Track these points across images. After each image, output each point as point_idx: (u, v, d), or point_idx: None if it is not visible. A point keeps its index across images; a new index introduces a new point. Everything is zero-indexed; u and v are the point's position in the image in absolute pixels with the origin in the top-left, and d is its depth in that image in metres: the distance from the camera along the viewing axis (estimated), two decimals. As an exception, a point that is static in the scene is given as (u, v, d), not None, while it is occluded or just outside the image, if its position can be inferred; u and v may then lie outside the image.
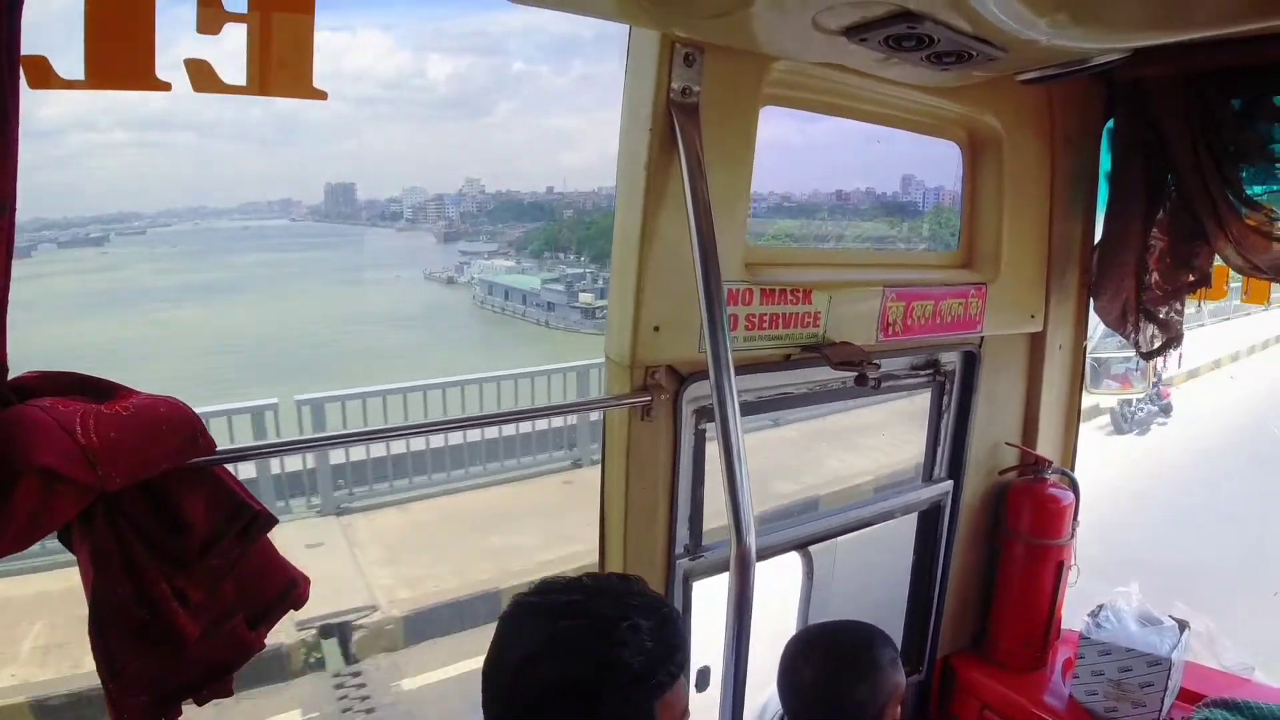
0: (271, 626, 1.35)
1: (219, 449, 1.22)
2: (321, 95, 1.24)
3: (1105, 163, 2.55)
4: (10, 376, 1.08)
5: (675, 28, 1.54)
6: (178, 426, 1.16)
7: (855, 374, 1.95)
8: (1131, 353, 2.69)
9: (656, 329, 1.72)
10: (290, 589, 1.35)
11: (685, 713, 1.28)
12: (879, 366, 1.97)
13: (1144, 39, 1.67)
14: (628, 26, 1.60)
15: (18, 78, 0.96)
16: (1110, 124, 2.51)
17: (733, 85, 1.68)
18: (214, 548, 1.23)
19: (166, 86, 1.14)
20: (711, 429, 1.84)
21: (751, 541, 1.47)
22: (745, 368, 1.90)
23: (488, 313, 31.67)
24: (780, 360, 1.98)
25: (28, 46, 1.01)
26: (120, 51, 1.11)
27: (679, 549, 1.93)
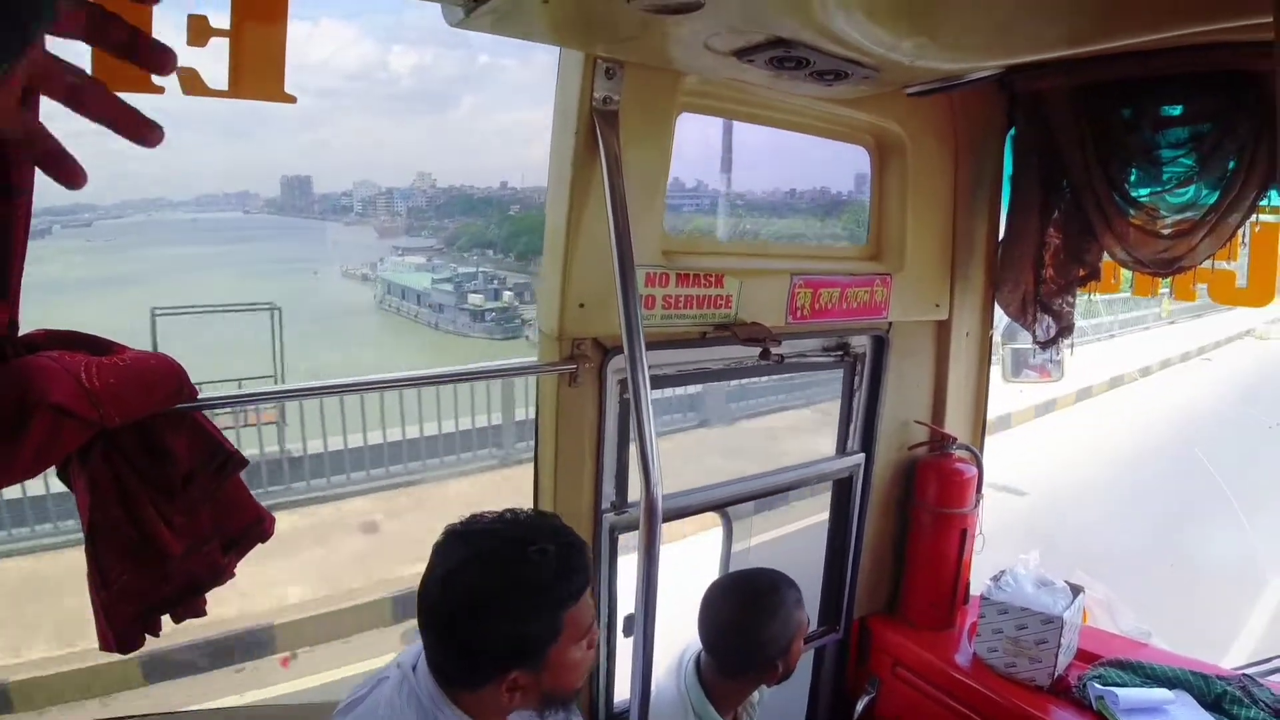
0: (242, 555, 1.58)
1: (200, 397, 1.45)
2: (290, 99, 1.48)
3: (1008, 166, 2.81)
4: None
5: (597, 49, 1.78)
6: (167, 377, 1.39)
7: (760, 349, 2.19)
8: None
9: (582, 305, 1.96)
10: (258, 523, 1.58)
11: (590, 629, 1.54)
12: (780, 343, 2.22)
13: (1001, 59, 1.92)
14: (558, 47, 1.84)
15: None
16: (1012, 131, 2.78)
17: (649, 95, 1.92)
18: (194, 480, 1.46)
19: (160, 90, 1.37)
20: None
21: (659, 491, 1.68)
22: (664, 343, 2.16)
23: (386, 312, 30.23)
24: (697, 337, 2.21)
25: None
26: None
27: (605, 504, 2.17)
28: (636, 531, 1.94)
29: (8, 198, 1.17)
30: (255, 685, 5.85)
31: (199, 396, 1.45)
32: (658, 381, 2.24)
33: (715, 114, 2.19)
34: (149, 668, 5.86)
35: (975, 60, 1.88)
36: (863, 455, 2.84)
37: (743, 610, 2.16)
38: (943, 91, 2.15)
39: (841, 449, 2.87)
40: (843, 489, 2.88)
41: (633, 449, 2.16)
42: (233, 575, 1.57)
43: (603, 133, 1.81)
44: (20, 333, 1.30)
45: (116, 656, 1.95)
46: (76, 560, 1.40)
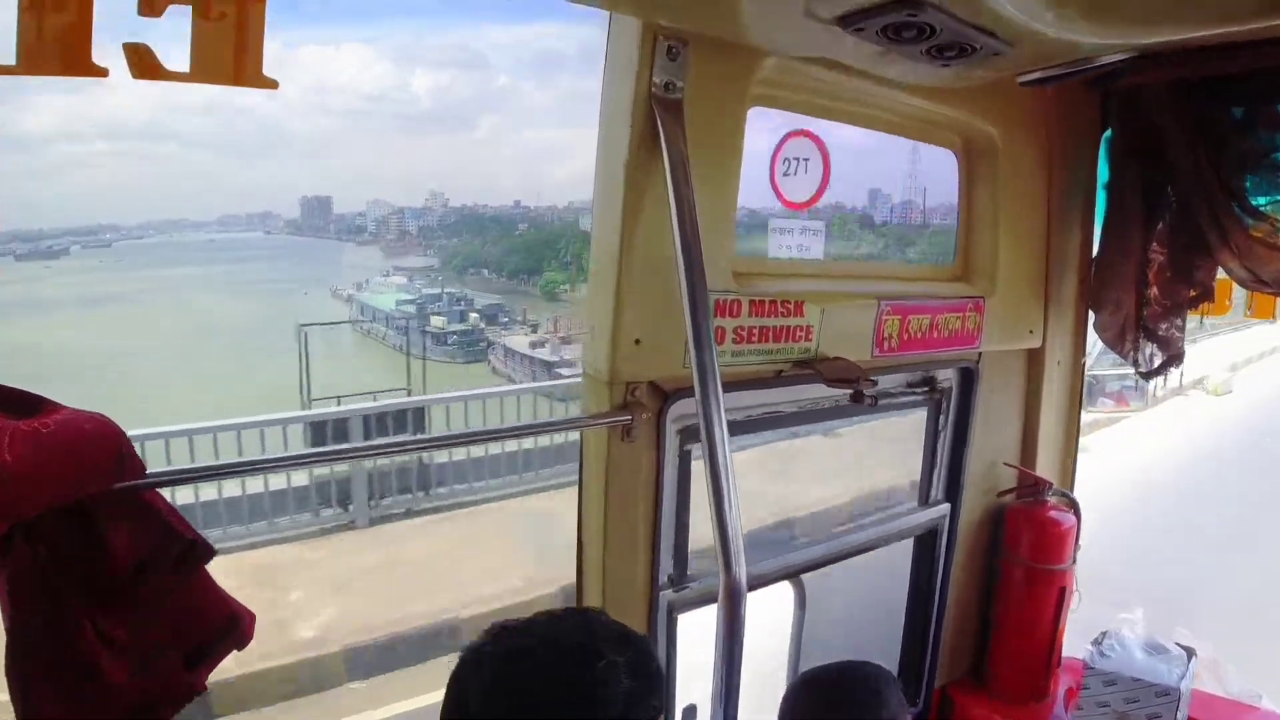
0: (213, 667, 1.24)
1: (149, 472, 1.13)
2: (272, 84, 1.16)
3: (1103, 173, 2.52)
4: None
5: (658, 16, 1.48)
6: (102, 447, 1.07)
7: (851, 391, 1.86)
8: (1128, 370, 2.64)
9: (637, 342, 1.63)
10: (232, 626, 1.25)
11: None
12: (875, 383, 1.90)
13: (1152, 35, 1.63)
14: (608, 17, 1.54)
15: None
16: (1107, 133, 2.48)
17: (719, 82, 1.61)
18: (143, 581, 1.12)
19: (104, 72, 1.07)
20: (697, 449, 1.75)
21: (742, 572, 1.38)
22: (732, 384, 1.83)
23: (358, 333, 28.76)
24: (770, 376, 1.90)
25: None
26: (54, 36, 1.03)
27: (662, 579, 1.84)
28: (696, 610, 1.70)
29: None
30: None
31: (148, 472, 1.13)
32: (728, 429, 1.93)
33: (790, 108, 1.88)
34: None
35: (1121, 35, 1.60)
36: (948, 505, 2.51)
37: None
38: (1064, 79, 1.88)
39: (924, 499, 2.53)
40: (925, 544, 2.55)
41: (696, 515, 1.83)
42: (201, 691, 1.23)
43: (665, 127, 1.49)
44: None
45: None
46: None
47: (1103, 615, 2.67)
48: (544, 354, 18.96)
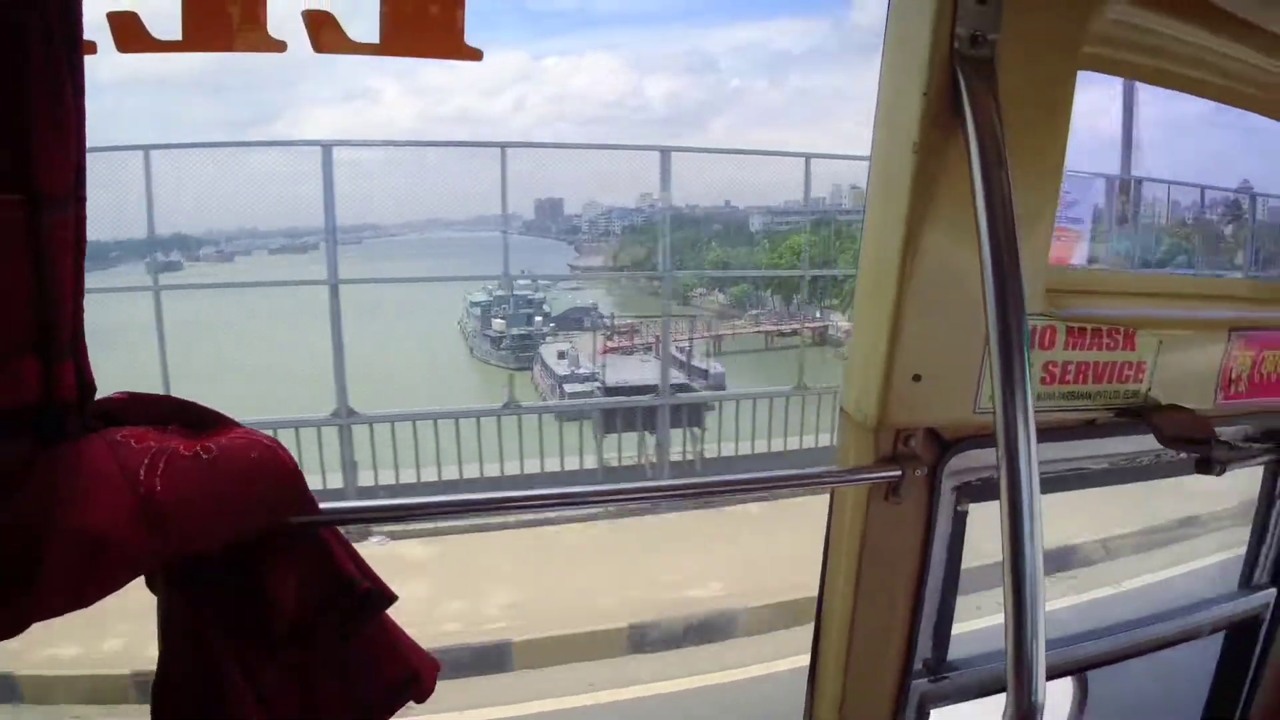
0: None
1: (323, 509, 0.99)
2: (476, 55, 1.00)
3: None
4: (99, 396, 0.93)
5: None
6: (271, 480, 0.95)
7: (1197, 456, 1.45)
8: None
9: (917, 378, 1.31)
10: (408, 683, 1.10)
11: None
12: (1229, 446, 1.47)
13: None
14: None
15: (79, 38, 0.79)
16: None
17: (1043, 35, 1.24)
18: (309, 631, 0.99)
19: (281, 46, 0.96)
20: (974, 509, 1.46)
21: (1041, 692, 1.04)
22: (1043, 433, 1.48)
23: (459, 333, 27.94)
24: (1078, 426, 1.52)
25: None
26: (226, 5, 0.92)
27: (917, 665, 1.54)
28: (954, 705, 1.42)
29: (39, 207, 0.79)
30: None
31: (323, 508, 0.99)
32: (993, 492, 1.56)
33: (1130, 74, 1.50)
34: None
35: None
36: (1274, 592, 2.01)
37: None
38: None
39: (1246, 581, 2.04)
40: (1240, 637, 2.06)
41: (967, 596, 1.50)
42: None
43: (971, 94, 1.14)
44: (97, 396, 0.92)
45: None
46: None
47: None
48: (562, 367, 17.46)
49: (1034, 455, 1.08)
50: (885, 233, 1.26)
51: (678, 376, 15.27)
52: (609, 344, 18.06)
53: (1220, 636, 2.08)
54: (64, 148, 0.81)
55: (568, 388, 16.01)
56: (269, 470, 0.95)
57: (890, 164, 1.24)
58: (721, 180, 10.02)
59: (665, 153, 9.15)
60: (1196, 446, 1.45)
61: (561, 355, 17.79)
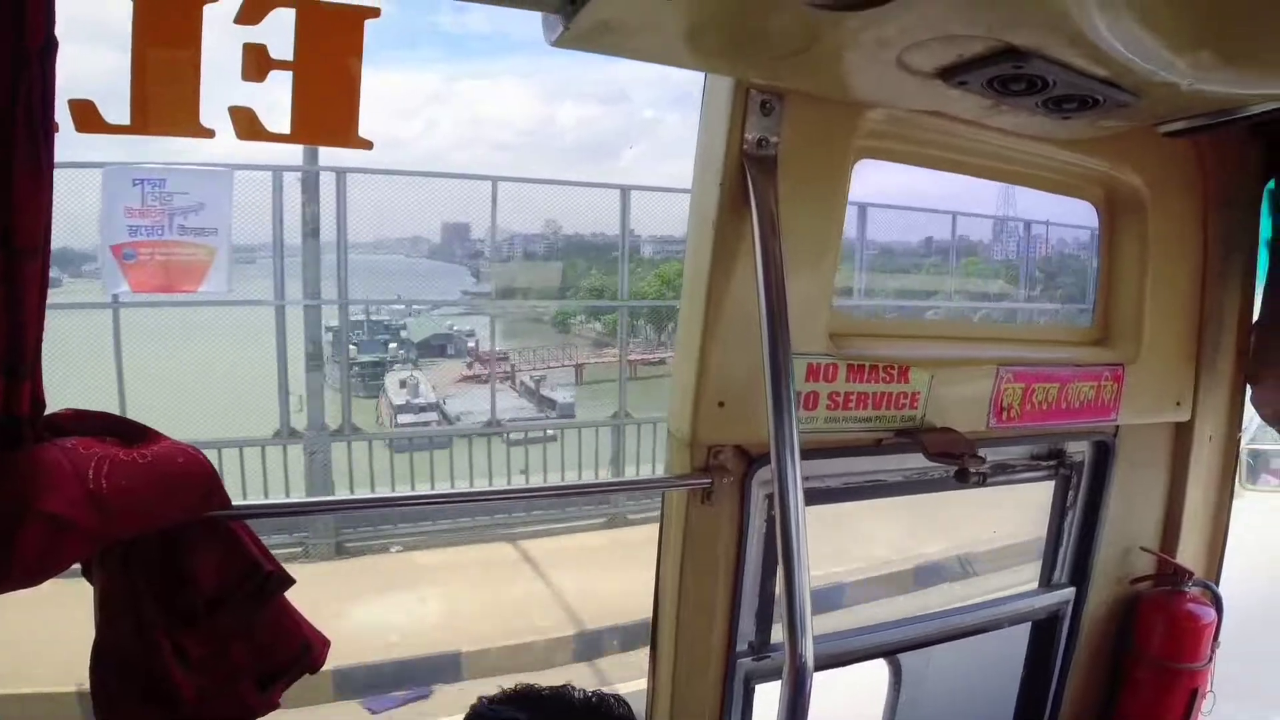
0: (284, 689, 1.35)
1: (234, 505, 1.23)
2: (366, 145, 1.26)
3: (1265, 228, 2.32)
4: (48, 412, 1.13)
5: (751, 74, 1.49)
6: (193, 480, 1.19)
7: (955, 468, 1.80)
8: (1296, 444, 2.38)
9: (721, 404, 1.63)
10: (305, 652, 1.34)
11: None
12: (984, 460, 1.82)
13: None
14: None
15: (52, 123, 1.01)
16: (1270, 185, 2.30)
17: (818, 136, 1.60)
18: (223, 606, 1.23)
19: (210, 133, 1.19)
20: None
21: (808, 649, 1.36)
22: (831, 450, 1.80)
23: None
24: (872, 444, 1.85)
25: (75, 93, 1.07)
26: (166, 98, 1.16)
27: (741, 646, 1.81)
28: (778, 683, 1.60)
29: (15, 258, 1.00)
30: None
31: (234, 504, 1.23)
32: (814, 497, 1.87)
33: (904, 160, 1.84)
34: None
35: (1271, 84, 1.43)
36: (1072, 590, 2.34)
37: None
38: (1210, 130, 1.74)
39: (1046, 580, 2.39)
40: (1044, 631, 2.39)
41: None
42: (275, 707, 1.33)
43: (755, 183, 1.49)
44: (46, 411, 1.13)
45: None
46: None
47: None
48: (399, 396, 16.78)
49: (798, 467, 1.39)
50: (695, 285, 1.60)
51: (526, 406, 15.37)
52: (467, 372, 17.56)
53: (1029, 629, 2.40)
54: (39, 208, 1.01)
55: (401, 418, 15.44)
56: (192, 472, 1.19)
57: (699, 236, 1.59)
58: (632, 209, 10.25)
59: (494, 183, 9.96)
60: (953, 460, 1.80)
61: (402, 384, 16.87)
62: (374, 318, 15.24)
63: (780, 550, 1.39)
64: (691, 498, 1.69)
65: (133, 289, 7.80)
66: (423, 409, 15.63)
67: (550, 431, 11.11)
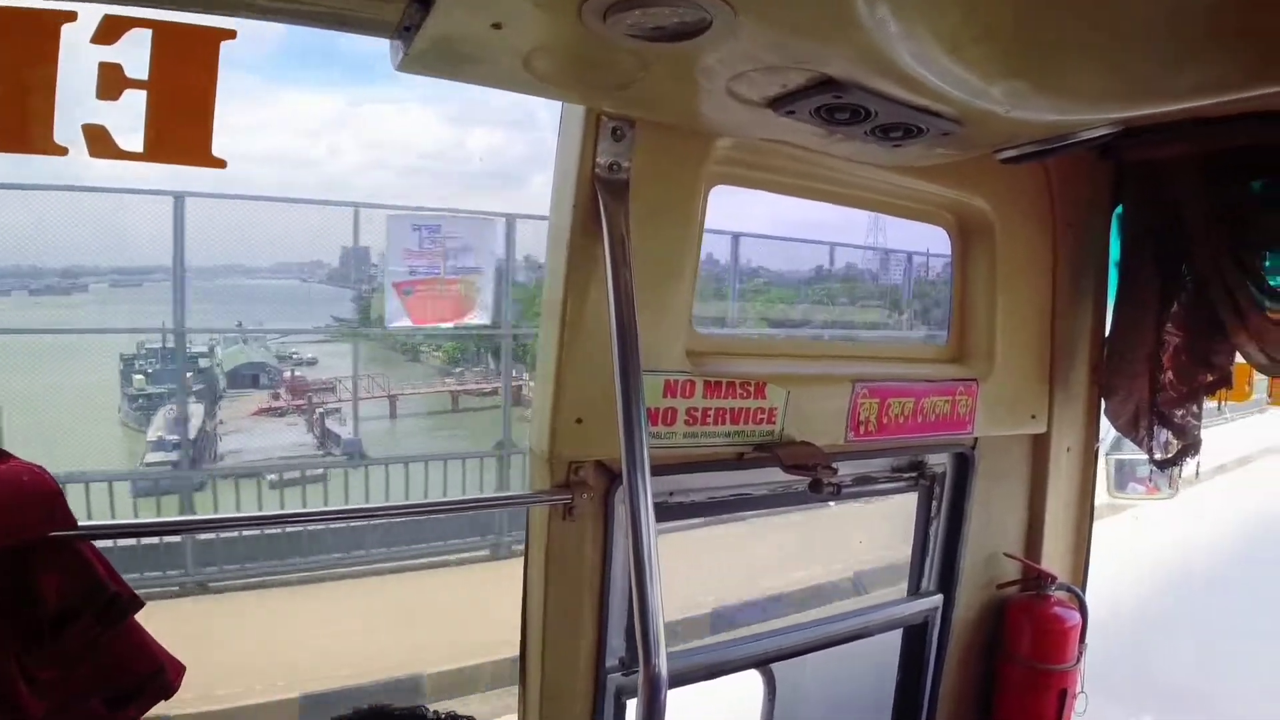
0: (139, 713, 1.34)
1: (80, 525, 1.23)
2: (220, 164, 1.29)
3: (1115, 250, 2.50)
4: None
5: (601, 103, 1.56)
6: (37, 499, 1.19)
7: (809, 479, 1.87)
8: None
9: (579, 420, 1.69)
10: (157, 674, 1.34)
11: None
12: (836, 471, 1.90)
13: (1122, 110, 1.55)
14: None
15: None
16: (1119, 209, 2.47)
17: (669, 162, 1.68)
18: (69, 626, 1.22)
19: (63, 151, 1.20)
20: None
21: (662, 663, 1.40)
22: (694, 465, 1.87)
23: None
24: (734, 459, 1.92)
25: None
26: (20, 115, 1.17)
27: (611, 662, 1.85)
28: None
29: None
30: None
31: (80, 524, 1.23)
32: (677, 512, 1.94)
33: (759, 186, 1.93)
34: None
35: (1088, 111, 1.54)
36: (940, 597, 2.45)
37: None
38: (1045, 156, 1.85)
39: (915, 588, 2.49)
40: (915, 637, 2.49)
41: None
42: None
43: (607, 207, 1.56)
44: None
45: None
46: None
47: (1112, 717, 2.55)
48: (156, 432, 14.85)
49: (648, 483, 1.44)
50: (552, 305, 1.67)
51: (307, 443, 14.56)
52: (267, 405, 16.16)
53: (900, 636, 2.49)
54: None
55: (151, 456, 13.72)
56: (37, 491, 1.19)
57: (555, 257, 1.66)
58: (528, 235, 10.30)
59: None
60: (807, 472, 1.88)
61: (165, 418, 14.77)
62: (196, 348, 13.94)
63: (632, 563, 1.44)
64: (553, 514, 1.73)
65: (413, 321, 9.45)
66: (175, 446, 13.01)
67: (319, 471, 11.05)
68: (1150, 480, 3.02)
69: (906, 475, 2.35)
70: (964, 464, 2.37)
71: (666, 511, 1.88)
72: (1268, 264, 2.22)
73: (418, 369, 18.32)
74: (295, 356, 16.79)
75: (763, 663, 2.19)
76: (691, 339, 1.84)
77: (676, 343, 1.78)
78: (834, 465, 1.90)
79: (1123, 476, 3.10)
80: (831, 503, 2.64)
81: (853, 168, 1.90)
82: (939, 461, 2.37)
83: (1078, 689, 2.52)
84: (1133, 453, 3.06)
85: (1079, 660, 2.51)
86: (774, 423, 1.92)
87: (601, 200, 1.57)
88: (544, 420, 1.69)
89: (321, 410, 14.77)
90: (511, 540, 9.24)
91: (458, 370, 17.54)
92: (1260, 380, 2.49)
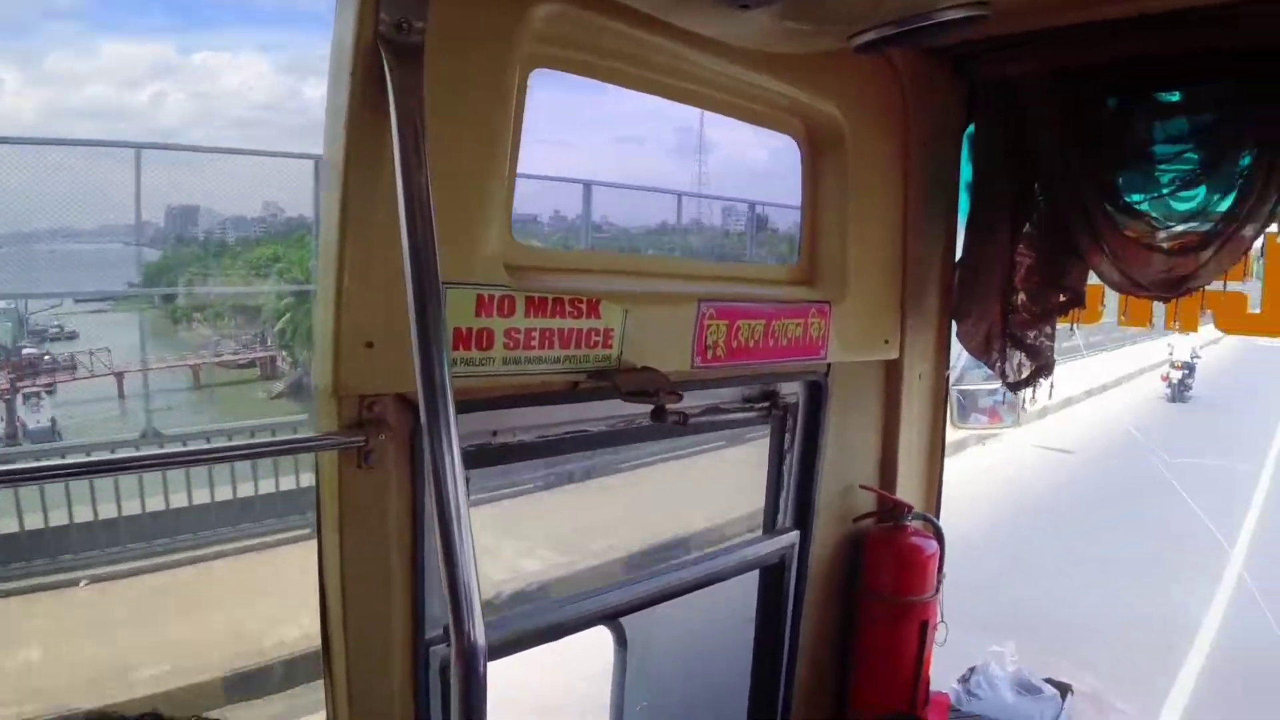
0: None
1: None
2: None
3: (966, 172, 2.47)
4: None
5: None
6: None
7: (651, 406, 1.69)
8: (999, 384, 2.55)
9: (370, 345, 1.41)
10: None
11: None
12: (680, 398, 1.74)
13: None
14: None
15: None
16: (971, 129, 2.44)
17: (476, 28, 1.42)
18: None
19: None
20: (475, 476, 1.56)
21: (477, 629, 1.16)
22: (521, 398, 1.65)
23: None
24: (565, 389, 1.71)
25: None
26: None
27: (435, 631, 1.60)
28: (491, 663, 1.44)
29: None
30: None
31: None
32: (504, 453, 1.71)
33: (585, 73, 1.70)
34: None
35: None
36: (797, 533, 2.37)
37: None
38: (902, 41, 1.70)
39: (770, 526, 2.40)
40: (772, 576, 2.41)
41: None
42: None
43: (395, 75, 1.27)
44: None
45: None
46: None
47: (973, 642, 2.56)
48: None
49: (452, 418, 1.20)
50: (330, 212, 1.37)
51: None
52: None
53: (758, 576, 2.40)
54: None
55: None
56: None
57: (333, 144, 1.35)
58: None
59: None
60: (649, 400, 1.71)
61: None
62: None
63: (436, 514, 1.19)
64: (345, 460, 1.45)
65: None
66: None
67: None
68: (996, 408, 3.05)
69: (759, 405, 2.22)
70: (817, 392, 2.28)
71: (490, 453, 1.67)
72: (1122, 181, 2.20)
73: (188, 339, 16.33)
74: (55, 330, 14.85)
75: (609, 618, 2.01)
76: (511, 250, 1.60)
77: (492, 252, 1.52)
78: (679, 392, 1.73)
79: (967, 407, 3.13)
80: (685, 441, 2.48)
81: (694, 55, 1.72)
82: (791, 391, 2.27)
83: (937, 619, 2.50)
84: (974, 384, 3.07)
85: (938, 590, 2.50)
86: (610, 346, 1.72)
87: (388, 67, 1.28)
88: (326, 345, 1.39)
89: (25, 393, 12.75)
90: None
91: (215, 341, 15.84)
92: (1112, 299, 2.50)
